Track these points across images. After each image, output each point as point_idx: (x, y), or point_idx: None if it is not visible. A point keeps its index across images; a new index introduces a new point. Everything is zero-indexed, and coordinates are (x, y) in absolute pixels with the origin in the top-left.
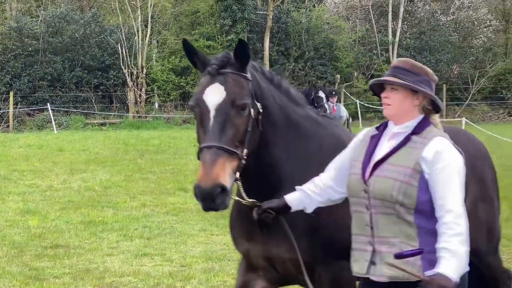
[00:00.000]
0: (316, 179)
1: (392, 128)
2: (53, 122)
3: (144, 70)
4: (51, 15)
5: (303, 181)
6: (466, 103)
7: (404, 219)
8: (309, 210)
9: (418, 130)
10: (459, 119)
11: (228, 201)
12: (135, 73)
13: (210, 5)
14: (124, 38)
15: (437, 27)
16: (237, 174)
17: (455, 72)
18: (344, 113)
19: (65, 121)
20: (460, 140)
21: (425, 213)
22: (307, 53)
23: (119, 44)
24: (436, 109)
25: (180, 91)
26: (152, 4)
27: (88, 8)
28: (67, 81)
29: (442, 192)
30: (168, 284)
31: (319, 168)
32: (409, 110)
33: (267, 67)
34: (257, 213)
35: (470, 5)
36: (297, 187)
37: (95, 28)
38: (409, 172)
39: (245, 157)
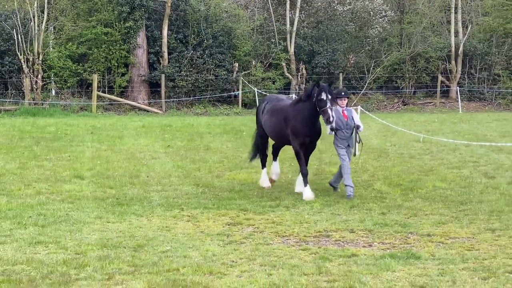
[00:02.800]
0: None
1: None
2: None
3: (41, 57)
4: None
5: None
6: (362, 92)
7: None
8: None
9: None
10: (354, 107)
11: None
12: (31, 59)
13: None
14: (19, 23)
15: (334, 17)
16: None
17: (352, 61)
18: (359, 122)
19: None
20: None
21: None
22: (205, 41)
23: (14, 30)
24: None
25: (77, 78)
26: None
27: None
28: None
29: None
30: (62, 272)
31: None
32: None
33: (165, 55)
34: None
35: None
36: None
37: None
38: None
39: None
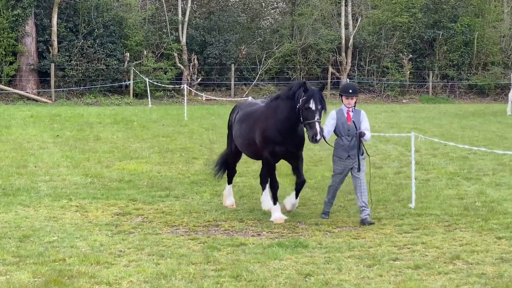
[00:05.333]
0: None
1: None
2: None
3: None
4: None
5: None
6: (254, 83)
7: None
8: None
9: None
10: (246, 98)
11: None
12: None
13: None
14: None
15: (226, 8)
16: None
17: (243, 52)
18: (367, 127)
19: None
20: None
21: None
22: (96, 30)
23: None
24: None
25: None
26: None
27: None
28: None
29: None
30: None
31: None
32: None
33: (55, 44)
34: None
35: None
36: None
37: None
38: None
39: None
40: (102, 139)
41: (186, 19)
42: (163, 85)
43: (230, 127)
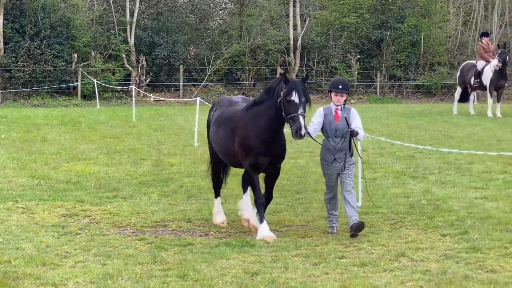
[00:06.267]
0: None
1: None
2: None
3: None
4: None
5: None
6: (202, 83)
7: None
8: None
9: None
10: (194, 99)
11: None
12: None
13: None
14: None
15: (174, 8)
16: None
17: (192, 53)
18: (359, 127)
19: None
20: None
21: None
22: (43, 31)
23: None
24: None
25: None
26: None
27: None
28: None
29: None
30: None
31: None
32: None
33: (1, 45)
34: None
35: None
36: None
37: None
38: None
39: None
40: (49, 141)
41: (134, 20)
42: (111, 86)
43: (208, 127)
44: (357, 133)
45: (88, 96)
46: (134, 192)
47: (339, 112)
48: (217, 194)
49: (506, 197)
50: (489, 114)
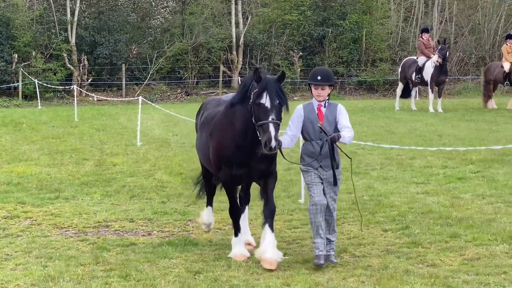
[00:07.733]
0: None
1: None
2: None
3: None
4: None
5: None
6: (145, 82)
7: None
8: None
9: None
10: (137, 98)
11: None
12: None
13: None
14: None
15: (115, 7)
16: None
17: (134, 52)
18: (347, 126)
19: None
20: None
21: None
22: None
23: None
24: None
25: None
26: None
27: None
28: None
29: None
30: None
31: None
32: None
33: None
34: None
35: None
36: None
37: None
38: None
39: None
40: None
41: (75, 19)
42: (53, 86)
43: (197, 131)
44: (339, 137)
45: (29, 97)
46: (76, 193)
47: (322, 109)
48: (209, 203)
49: (447, 192)
50: (431, 109)
